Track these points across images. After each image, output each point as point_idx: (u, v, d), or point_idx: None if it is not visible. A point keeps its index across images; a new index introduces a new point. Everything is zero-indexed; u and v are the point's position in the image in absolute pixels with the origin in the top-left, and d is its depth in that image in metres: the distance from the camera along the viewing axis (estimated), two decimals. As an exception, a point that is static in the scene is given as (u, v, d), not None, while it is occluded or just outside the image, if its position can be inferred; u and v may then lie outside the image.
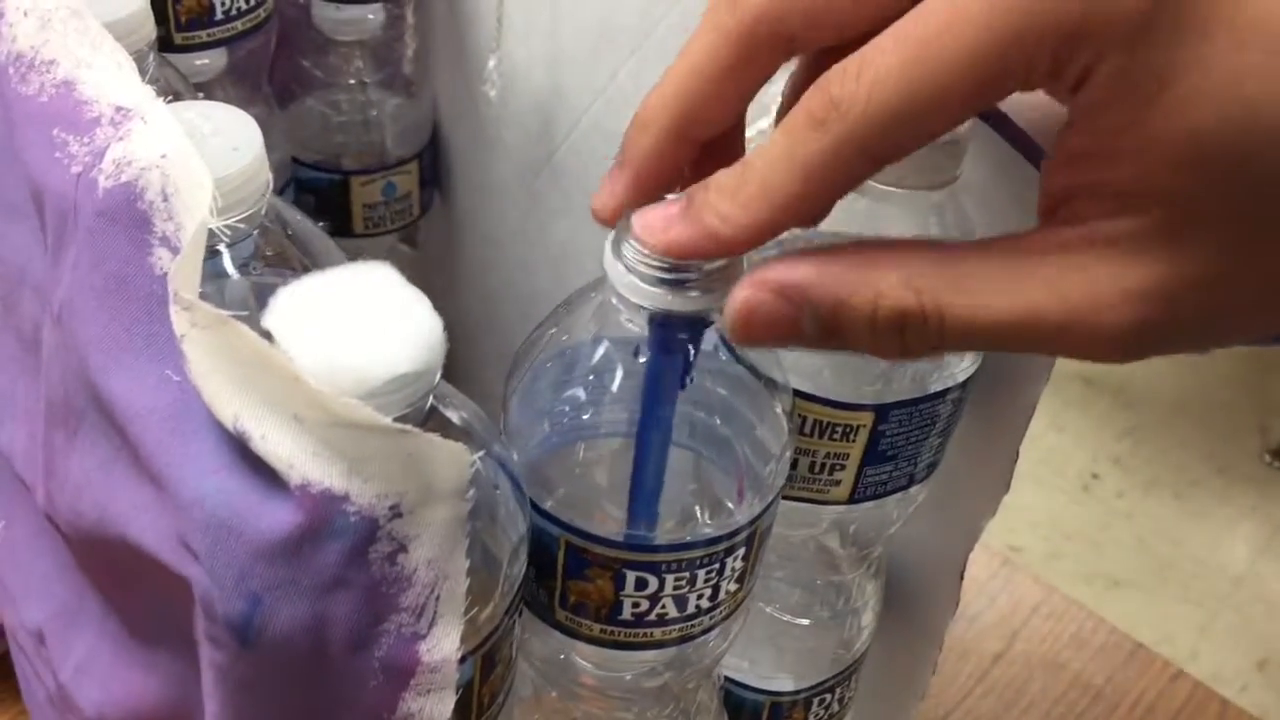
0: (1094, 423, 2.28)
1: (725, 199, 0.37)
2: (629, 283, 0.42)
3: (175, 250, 0.39)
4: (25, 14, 0.45)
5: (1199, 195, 0.33)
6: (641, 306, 0.43)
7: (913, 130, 0.35)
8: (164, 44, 0.60)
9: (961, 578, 0.64)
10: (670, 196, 0.40)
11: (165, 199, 0.39)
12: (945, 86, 0.33)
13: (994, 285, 0.36)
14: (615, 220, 0.42)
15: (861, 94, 0.34)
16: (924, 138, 0.35)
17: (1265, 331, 0.36)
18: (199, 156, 0.39)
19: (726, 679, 0.65)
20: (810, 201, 0.36)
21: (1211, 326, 0.36)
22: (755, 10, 0.38)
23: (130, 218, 0.40)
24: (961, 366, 0.54)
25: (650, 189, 0.42)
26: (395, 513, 0.37)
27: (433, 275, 0.91)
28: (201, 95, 0.63)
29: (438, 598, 0.39)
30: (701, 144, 0.42)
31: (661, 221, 0.39)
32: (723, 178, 0.38)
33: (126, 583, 0.47)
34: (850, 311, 0.36)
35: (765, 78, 0.40)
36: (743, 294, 0.38)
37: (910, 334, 0.36)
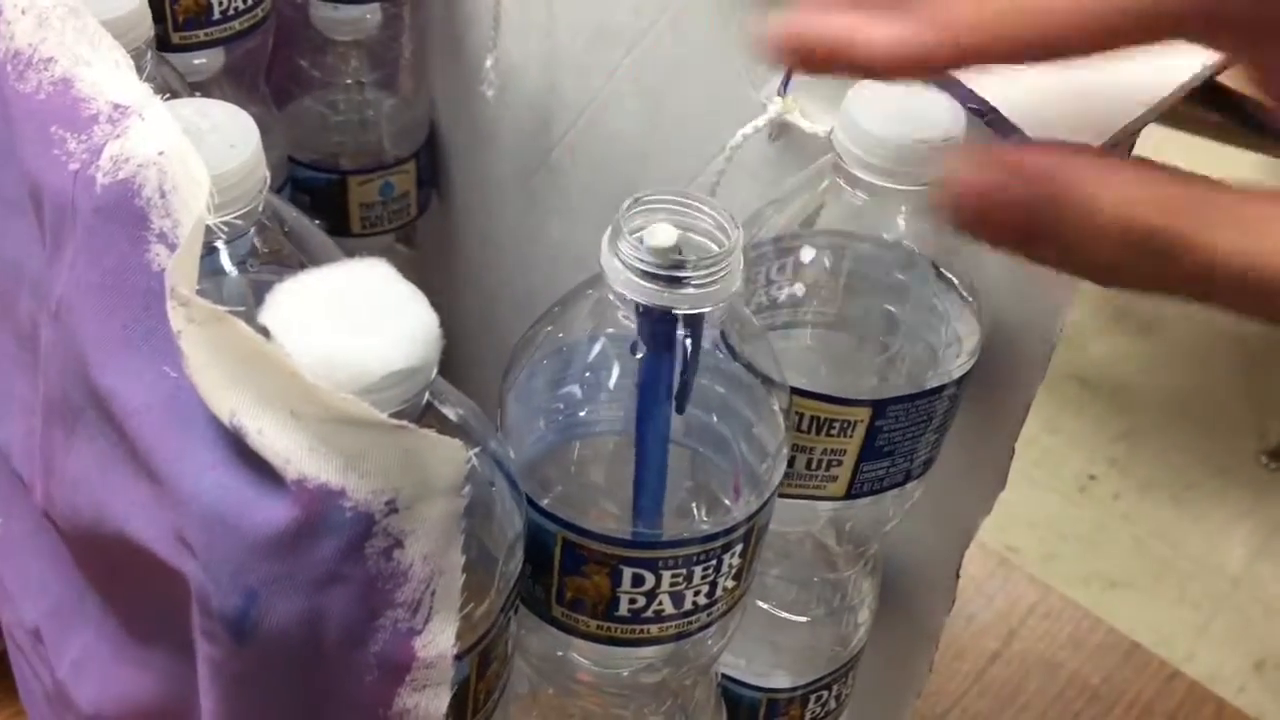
0: (1091, 424, 2.28)
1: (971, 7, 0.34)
2: (626, 279, 0.42)
3: (172, 247, 0.39)
4: (23, 11, 0.45)
5: None
6: (638, 303, 0.43)
7: None
8: (161, 43, 0.60)
9: (957, 575, 0.64)
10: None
11: (163, 196, 0.39)
12: None
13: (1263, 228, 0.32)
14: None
15: None
16: None
17: None
18: (196, 153, 0.39)
19: (723, 676, 0.65)
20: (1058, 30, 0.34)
21: None
22: None
23: (127, 214, 0.40)
24: (958, 363, 0.54)
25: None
26: (391, 508, 0.37)
27: (430, 275, 0.91)
28: (198, 94, 0.63)
29: (433, 593, 0.39)
30: None
31: (883, 25, 0.35)
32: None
33: (124, 579, 0.48)
34: (1095, 226, 0.33)
35: None
36: (971, 170, 0.34)
37: (1150, 262, 0.33)
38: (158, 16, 0.56)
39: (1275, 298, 0.32)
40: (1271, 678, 2.04)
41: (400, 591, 0.38)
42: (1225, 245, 0.31)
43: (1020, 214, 0.33)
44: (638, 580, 0.48)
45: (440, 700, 0.40)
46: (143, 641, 0.49)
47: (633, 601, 0.48)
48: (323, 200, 0.82)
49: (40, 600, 0.54)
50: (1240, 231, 0.32)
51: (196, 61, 0.68)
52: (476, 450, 0.38)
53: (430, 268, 0.92)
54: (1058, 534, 2.18)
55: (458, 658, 0.40)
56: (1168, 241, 0.32)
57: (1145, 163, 0.33)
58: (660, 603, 0.48)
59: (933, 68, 0.35)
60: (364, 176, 0.82)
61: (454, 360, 0.40)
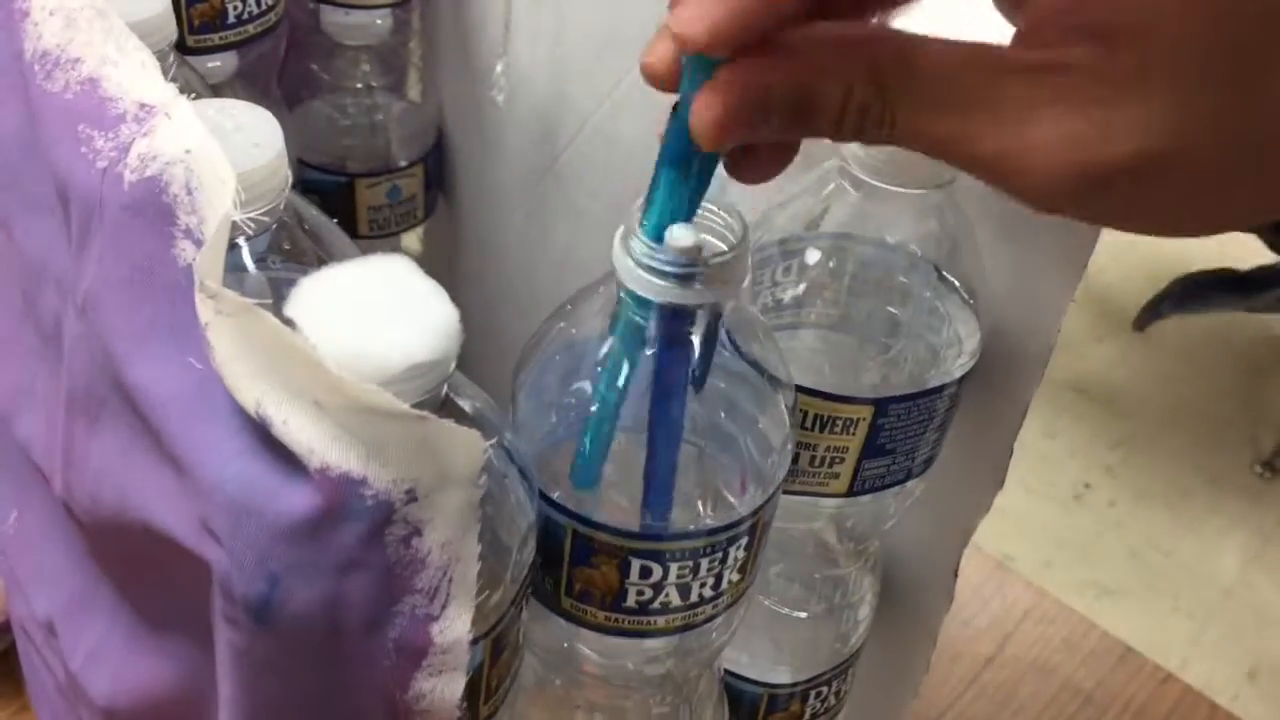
0: (1086, 432, 2.28)
1: None
2: (638, 277, 0.43)
3: (198, 243, 0.40)
4: (51, 13, 0.45)
5: (1173, 26, 0.32)
6: (649, 300, 0.44)
7: None
8: (176, 46, 0.61)
9: (956, 574, 0.65)
10: None
11: (189, 193, 0.40)
12: None
13: (949, 100, 0.35)
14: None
15: None
16: None
17: (1257, 211, 0.35)
18: (221, 152, 0.40)
19: (725, 671, 0.66)
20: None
21: (1187, 192, 0.34)
22: None
23: (155, 211, 0.41)
24: (959, 363, 0.55)
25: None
26: (411, 497, 0.38)
27: (436, 277, 0.92)
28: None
29: (450, 580, 0.40)
30: None
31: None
32: None
33: (142, 570, 0.48)
34: (822, 99, 0.37)
35: None
36: (710, 89, 0.37)
37: (870, 125, 0.37)
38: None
39: (947, 158, 0.36)
40: (1265, 686, 2.04)
41: (418, 578, 0.39)
42: (906, 120, 0.36)
43: (753, 112, 0.37)
44: (645, 572, 0.48)
45: (455, 685, 0.41)
46: (159, 632, 0.50)
47: (640, 593, 0.49)
48: (331, 202, 0.83)
49: (55, 592, 0.55)
50: (923, 108, 0.36)
51: (211, 64, 0.69)
52: (493, 442, 0.39)
53: (436, 271, 0.92)
54: (1053, 541, 2.18)
55: (472, 643, 0.41)
56: (873, 115, 0.36)
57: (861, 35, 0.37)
58: (667, 595, 0.49)
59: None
60: (372, 179, 0.83)
61: (464, 358, 0.41)
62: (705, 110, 0.37)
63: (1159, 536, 2.23)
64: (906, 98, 0.36)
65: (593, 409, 0.47)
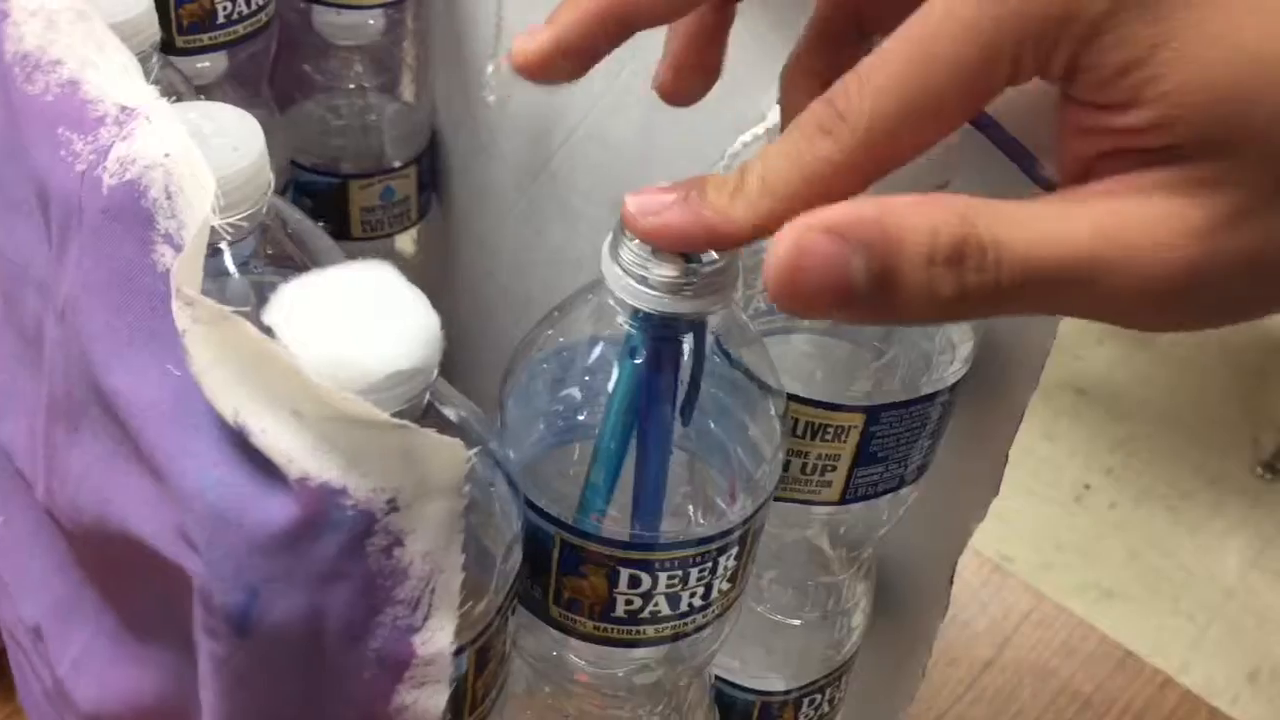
0: (1086, 434, 2.28)
1: (724, 195, 0.38)
2: (626, 285, 0.43)
3: (178, 248, 0.40)
4: (32, 14, 0.45)
5: (1221, 136, 0.33)
6: (638, 309, 0.43)
7: (914, 138, 0.35)
8: (166, 47, 0.60)
9: (951, 580, 0.64)
10: (663, 184, 0.40)
11: (169, 197, 0.40)
12: (940, 93, 0.34)
13: (1049, 222, 0.35)
14: (529, 67, 0.43)
15: (866, 107, 0.35)
16: (926, 142, 0.36)
17: None
18: (201, 156, 0.40)
19: (717, 678, 0.65)
20: (809, 203, 0.36)
21: (1266, 276, 0.35)
22: None
23: (134, 215, 0.40)
24: (952, 369, 0.54)
25: (570, 54, 0.44)
26: (392, 507, 0.37)
27: (430, 279, 0.91)
28: (203, 97, 0.64)
29: (433, 591, 0.39)
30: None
31: (656, 205, 0.39)
32: (719, 178, 0.38)
33: (125, 577, 0.48)
34: (906, 249, 0.34)
35: None
36: (790, 236, 0.35)
37: (969, 271, 0.34)
38: (163, 20, 0.57)
39: (1063, 281, 0.35)
40: (1266, 688, 2.04)
41: (400, 589, 0.39)
42: (1010, 244, 0.35)
43: (834, 274, 0.35)
44: (634, 582, 0.48)
45: (438, 697, 0.41)
46: (143, 639, 0.50)
47: (629, 603, 0.49)
48: (324, 204, 0.82)
49: (41, 598, 0.54)
50: (1023, 229, 0.35)
51: (200, 65, 0.68)
52: (476, 450, 0.38)
53: (430, 272, 0.92)
54: (1053, 543, 2.18)
55: (456, 653, 0.41)
56: (972, 249, 0.34)
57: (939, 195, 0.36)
58: (656, 604, 0.49)
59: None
60: (365, 181, 0.83)
61: (452, 365, 0.40)
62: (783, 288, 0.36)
63: (1159, 538, 2.23)
64: (1011, 227, 0.35)
65: (605, 441, 0.47)
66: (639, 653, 0.53)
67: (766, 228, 0.37)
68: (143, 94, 0.42)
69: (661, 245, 0.40)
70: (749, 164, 0.38)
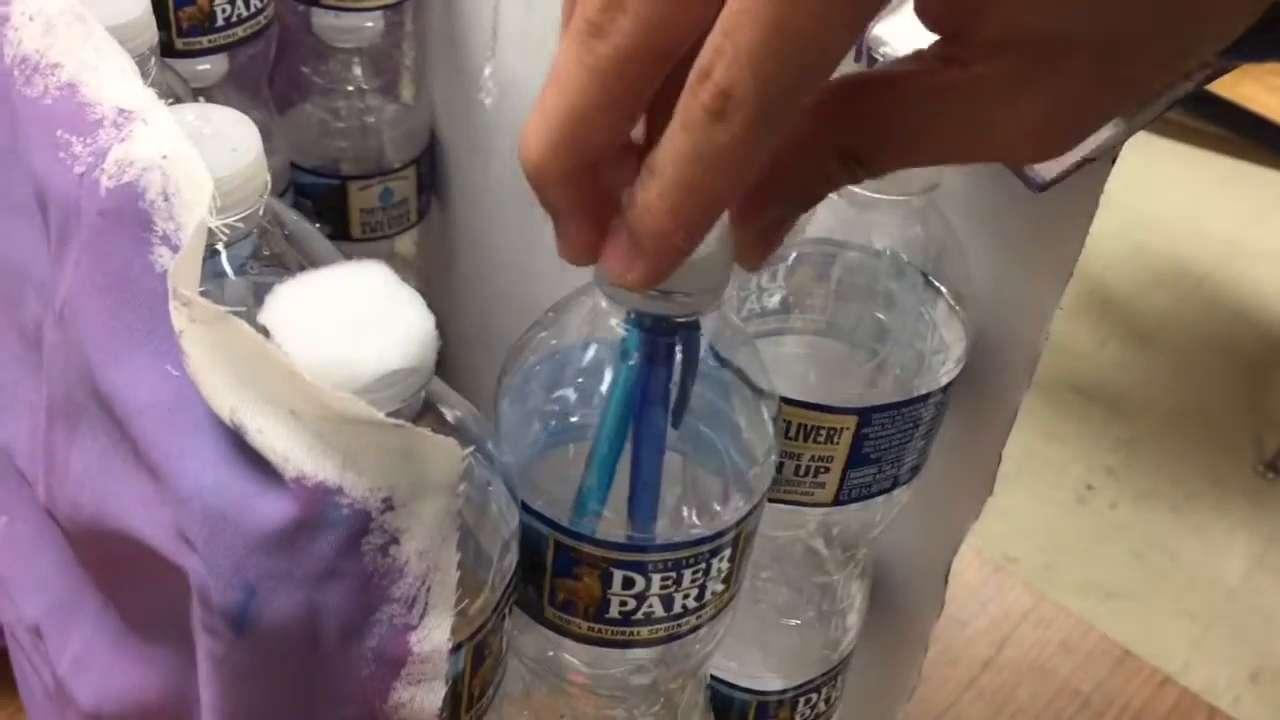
0: (1089, 434, 2.28)
1: (659, 216, 0.36)
2: (617, 288, 0.43)
3: (175, 249, 0.40)
4: (30, 18, 0.45)
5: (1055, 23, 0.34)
6: (632, 310, 0.43)
7: (809, 82, 0.33)
8: (165, 49, 0.61)
9: (946, 580, 0.65)
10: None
11: (166, 199, 0.40)
12: (819, 31, 0.32)
13: (914, 139, 0.38)
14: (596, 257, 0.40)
15: (747, 75, 0.32)
16: (822, 79, 0.34)
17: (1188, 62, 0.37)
18: (199, 157, 0.40)
19: (713, 678, 0.66)
20: (736, 189, 0.36)
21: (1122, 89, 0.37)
22: (627, 43, 0.35)
23: (131, 217, 0.41)
24: (944, 370, 0.54)
25: (601, 215, 0.40)
26: (388, 505, 0.37)
27: (429, 281, 0.92)
28: (202, 100, 0.64)
29: (429, 589, 0.39)
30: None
31: (622, 263, 0.38)
32: (643, 195, 0.36)
33: (124, 576, 0.48)
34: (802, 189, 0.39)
35: (648, 93, 0.37)
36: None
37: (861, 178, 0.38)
38: (162, 23, 0.57)
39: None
40: (1267, 688, 2.04)
41: (396, 587, 0.39)
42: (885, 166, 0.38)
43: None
44: (628, 583, 0.48)
45: (435, 694, 0.41)
46: (143, 638, 0.50)
47: (623, 604, 0.49)
48: (324, 205, 0.83)
49: (42, 597, 0.54)
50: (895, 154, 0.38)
51: (200, 67, 0.69)
52: (472, 449, 0.38)
53: (430, 274, 0.92)
54: (1055, 543, 2.18)
55: (453, 651, 0.41)
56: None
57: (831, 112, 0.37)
58: (650, 605, 0.49)
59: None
60: (364, 182, 0.83)
61: (452, 366, 0.41)
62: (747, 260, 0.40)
63: (1162, 539, 2.23)
64: (884, 156, 0.38)
65: (600, 443, 0.47)
66: (634, 654, 0.53)
67: (709, 225, 0.37)
68: (141, 96, 0.42)
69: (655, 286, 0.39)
70: (660, 167, 0.35)
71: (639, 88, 0.36)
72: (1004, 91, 0.36)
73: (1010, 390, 0.56)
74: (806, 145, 0.37)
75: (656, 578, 0.48)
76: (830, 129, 0.37)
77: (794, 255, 0.54)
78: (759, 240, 0.40)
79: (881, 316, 0.55)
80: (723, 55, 0.32)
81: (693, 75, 0.33)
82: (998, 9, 0.34)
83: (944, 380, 0.54)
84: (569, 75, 0.36)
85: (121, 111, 0.42)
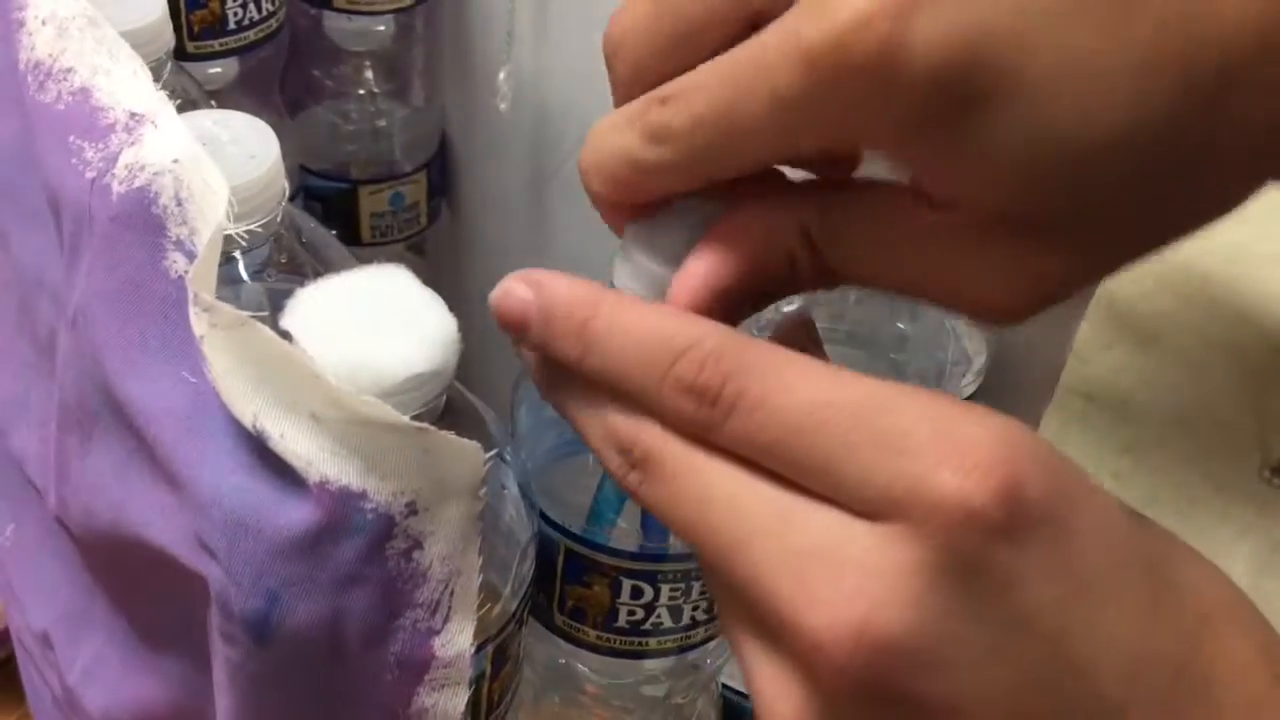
0: (1095, 439, 2.27)
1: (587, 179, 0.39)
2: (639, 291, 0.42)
3: (190, 254, 0.40)
4: (44, 23, 0.45)
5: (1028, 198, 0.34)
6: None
7: (731, 164, 0.35)
8: (177, 53, 0.60)
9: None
10: None
11: (179, 204, 0.40)
12: (754, 133, 0.34)
13: (874, 249, 0.37)
14: None
15: (686, 130, 0.35)
16: (746, 168, 0.36)
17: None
18: (211, 161, 0.40)
19: (724, 687, 0.65)
20: (639, 192, 0.38)
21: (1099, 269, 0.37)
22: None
23: (144, 223, 0.40)
24: (965, 381, 0.54)
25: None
26: (411, 510, 0.37)
27: (440, 285, 0.91)
28: (214, 104, 0.64)
29: (452, 593, 0.39)
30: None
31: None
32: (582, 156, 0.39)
33: (137, 585, 0.48)
34: (762, 264, 0.38)
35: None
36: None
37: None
38: (174, 26, 0.57)
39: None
40: (1274, 693, 2.03)
41: (419, 592, 0.39)
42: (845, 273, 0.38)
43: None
44: (637, 592, 0.48)
45: (458, 699, 0.41)
46: (155, 647, 0.50)
47: (631, 613, 0.49)
48: (333, 209, 0.83)
49: (51, 606, 0.54)
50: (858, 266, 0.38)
51: (211, 71, 0.69)
52: (493, 453, 0.38)
53: (441, 278, 0.92)
54: (1060, 549, 2.17)
55: (474, 653, 0.41)
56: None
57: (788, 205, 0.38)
58: (659, 616, 0.49)
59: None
60: (374, 186, 0.83)
61: (466, 369, 0.40)
62: None
63: (1167, 543, 2.22)
64: (848, 265, 0.38)
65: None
66: (646, 664, 0.53)
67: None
68: (151, 100, 0.42)
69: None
70: (589, 143, 0.38)
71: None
72: (965, 248, 0.35)
73: (1032, 402, 0.56)
74: (771, 212, 0.37)
75: (665, 588, 0.48)
76: (797, 201, 0.37)
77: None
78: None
79: (902, 326, 0.55)
80: (678, 100, 0.35)
81: (658, 91, 0.36)
82: (977, 192, 0.34)
83: (966, 392, 0.54)
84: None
85: (133, 115, 0.42)
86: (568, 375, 0.37)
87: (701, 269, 0.37)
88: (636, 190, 0.38)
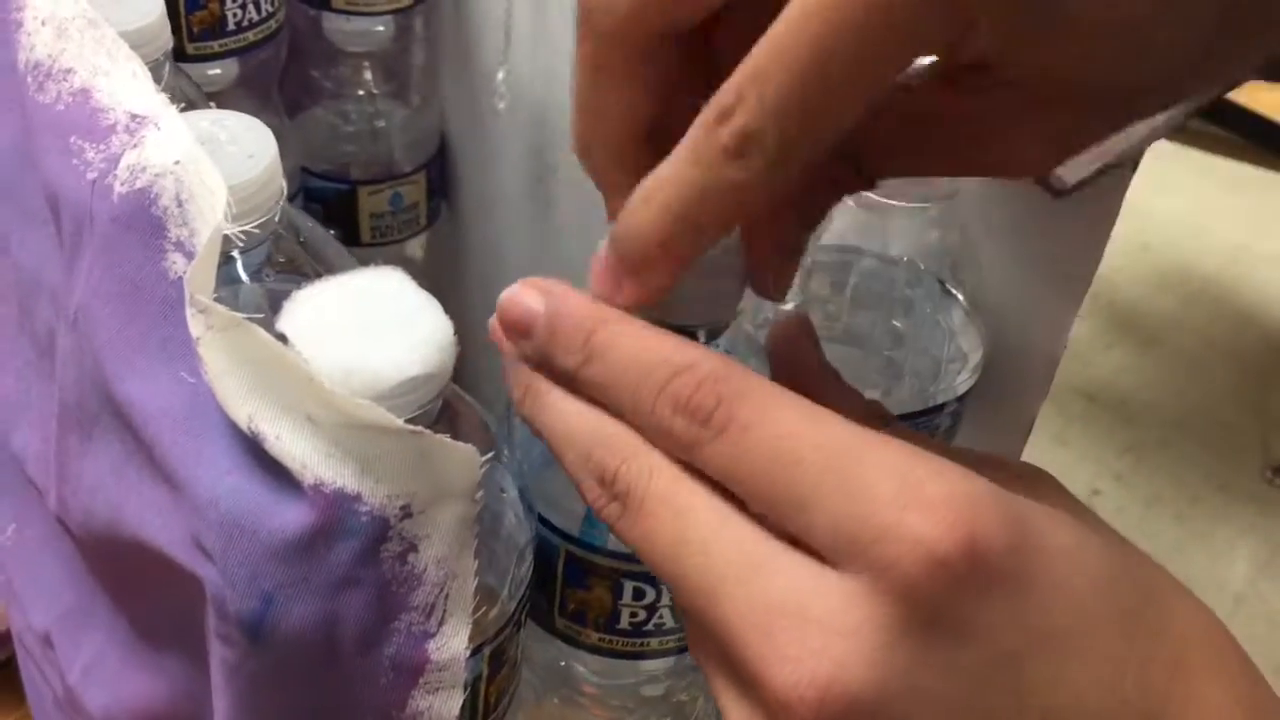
0: (1096, 439, 2.27)
1: (649, 245, 0.36)
2: None
3: (189, 255, 0.40)
4: (43, 23, 0.45)
5: None
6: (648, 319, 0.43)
7: (832, 133, 0.34)
8: (176, 54, 0.60)
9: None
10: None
11: (179, 205, 0.40)
12: (854, 79, 0.32)
13: (911, 149, 0.38)
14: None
15: (771, 122, 0.33)
16: (844, 130, 0.34)
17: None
18: (212, 163, 0.40)
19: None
20: (728, 226, 0.36)
21: None
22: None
23: (145, 224, 0.40)
24: (960, 379, 0.54)
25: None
26: (406, 513, 0.37)
27: (440, 286, 0.91)
28: (213, 105, 0.64)
29: (447, 596, 0.39)
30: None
31: (609, 286, 0.38)
32: (635, 221, 0.36)
33: (136, 585, 0.48)
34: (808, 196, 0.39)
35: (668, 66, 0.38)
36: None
37: None
38: (173, 28, 0.57)
39: None
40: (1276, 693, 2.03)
41: (414, 595, 0.39)
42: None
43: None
44: (638, 594, 0.48)
45: (453, 702, 0.41)
46: (155, 647, 0.50)
47: (633, 615, 0.49)
48: (333, 210, 0.83)
49: (52, 606, 0.54)
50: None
51: (211, 72, 0.69)
52: (491, 456, 0.38)
53: (440, 279, 0.92)
54: (1062, 549, 2.17)
55: (471, 655, 0.41)
56: None
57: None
58: (660, 616, 0.49)
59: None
60: (374, 187, 0.83)
61: (464, 371, 0.40)
62: (763, 285, 0.40)
63: (1169, 544, 2.23)
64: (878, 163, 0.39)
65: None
66: (646, 665, 0.53)
67: (686, 261, 0.37)
68: (153, 101, 0.42)
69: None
70: (646, 207, 0.36)
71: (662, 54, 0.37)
72: (1003, 119, 0.36)
73: (1028, 400, 0.56)
74: None
75: (667, 589, 0.48)
76: None
77: (810, 262, 0.54)
78: (776, 264, 0.40)
79: (898, 324, 0.55)
80: (746, 99, 0.33)
81: (709, 111, 0.33)
82: (996, 55, 0.34)
83: (961, 389, 0.54)
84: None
85: (134, 117, 0.42)
86: (550, 398, 0.37)
87: (760, 218, 0.38)
88: (730, 223, 0.36)
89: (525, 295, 0.39)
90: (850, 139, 0.35)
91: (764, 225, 0.39)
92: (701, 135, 0.34)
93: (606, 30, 0.36)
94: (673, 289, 0.38)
